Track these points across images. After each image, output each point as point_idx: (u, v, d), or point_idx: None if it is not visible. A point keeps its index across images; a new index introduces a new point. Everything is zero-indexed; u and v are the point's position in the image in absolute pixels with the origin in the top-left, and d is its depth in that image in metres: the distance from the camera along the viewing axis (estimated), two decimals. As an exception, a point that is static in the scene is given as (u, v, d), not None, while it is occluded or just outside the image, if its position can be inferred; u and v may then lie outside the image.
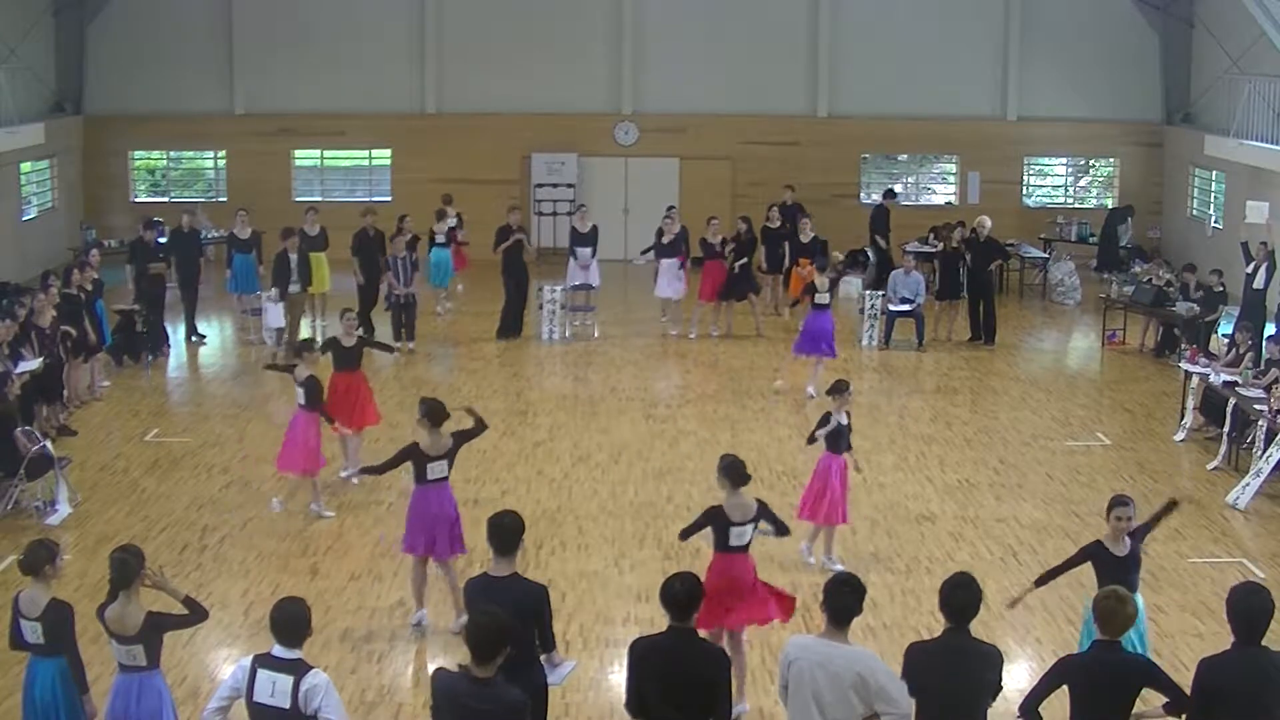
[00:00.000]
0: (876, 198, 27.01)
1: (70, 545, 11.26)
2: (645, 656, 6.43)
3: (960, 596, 6.42)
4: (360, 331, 13.99)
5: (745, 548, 8.74)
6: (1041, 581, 8.59)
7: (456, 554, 10.18)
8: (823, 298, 16.60)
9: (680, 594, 6.37)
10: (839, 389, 11.35)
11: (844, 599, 6.28)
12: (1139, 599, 8.10)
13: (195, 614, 7.17)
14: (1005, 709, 6.80)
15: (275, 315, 18.30)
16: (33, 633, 7.25)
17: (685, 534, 8.90)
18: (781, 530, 9.03)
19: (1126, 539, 8.33)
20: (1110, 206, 25.85)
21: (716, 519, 8.66)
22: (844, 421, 11.28)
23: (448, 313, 21.26)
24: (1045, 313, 22.59)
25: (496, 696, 5.86)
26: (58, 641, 7.24)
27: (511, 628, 5.95)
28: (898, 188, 25.75)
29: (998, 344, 19.78)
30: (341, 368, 13.33)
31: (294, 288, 18.51)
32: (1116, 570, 8.12)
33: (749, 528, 8.69)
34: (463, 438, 10.24)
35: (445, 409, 10.05)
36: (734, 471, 8.66)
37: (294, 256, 18.49)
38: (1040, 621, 10.26)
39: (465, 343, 19.35)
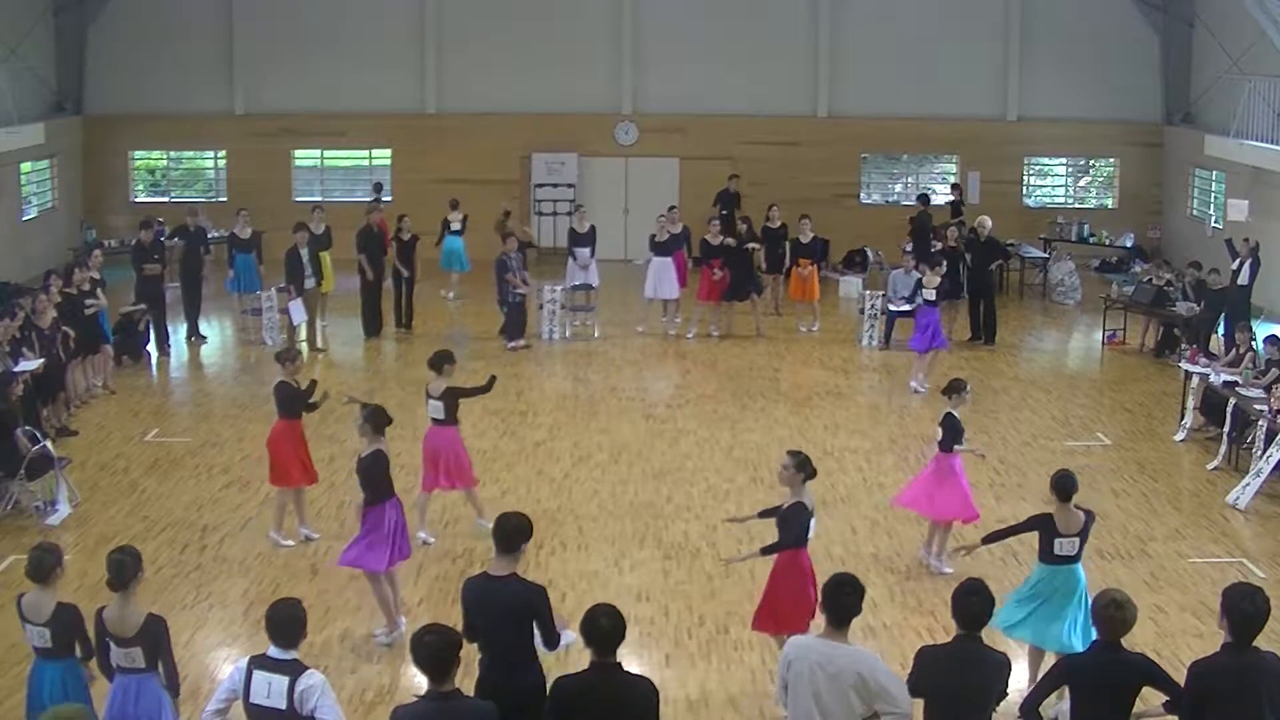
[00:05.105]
0: (878, 198, 27.14)
1: (70, 545, 11.26)
2: (574, 696, 6.15)
3: (974, 604, 6.39)
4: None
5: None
6: (990, 540, 9.28)
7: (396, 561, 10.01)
8: (929, 294, 17.31)
9: (608, 630, 6.12)
10: (957, 388, 11.38)
11: (844, 599, 6.27)
12: (1078, 571, 8.81)
13: (171, 681, 7.16)
14: (1006, 709, 6.81)
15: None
16: (39, 637, 7.24)
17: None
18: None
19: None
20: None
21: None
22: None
23: (457, 298, 21.43)
24: (1045, 313, 22.58)
25: (464, 709, 5.95)
26: (67, 644, 7.25)
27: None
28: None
29: (998, 344, 19.79)
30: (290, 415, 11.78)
31: (308, 283, 18.53)
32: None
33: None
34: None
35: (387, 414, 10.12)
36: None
37: (304, 251, 18.49)
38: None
39: (465, 341, 19.31)
